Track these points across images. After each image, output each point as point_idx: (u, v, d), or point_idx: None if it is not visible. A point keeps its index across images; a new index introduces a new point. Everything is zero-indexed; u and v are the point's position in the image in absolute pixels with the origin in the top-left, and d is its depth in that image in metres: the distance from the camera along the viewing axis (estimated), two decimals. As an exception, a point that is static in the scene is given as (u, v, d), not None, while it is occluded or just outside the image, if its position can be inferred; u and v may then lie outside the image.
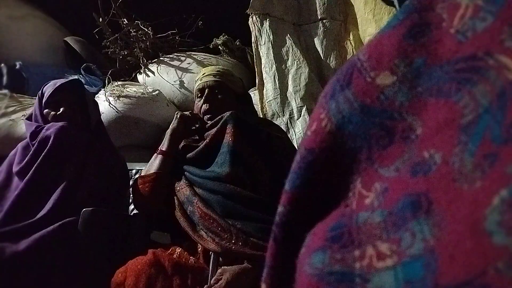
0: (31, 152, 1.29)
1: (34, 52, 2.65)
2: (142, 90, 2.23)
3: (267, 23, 2.06)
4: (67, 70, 2.65)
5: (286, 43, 2.04)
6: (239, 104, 1.32)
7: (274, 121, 1.85)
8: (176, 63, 2.40)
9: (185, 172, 1.19)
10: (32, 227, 1.14)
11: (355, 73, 0.34)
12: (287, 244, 0.34)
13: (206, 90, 1.29)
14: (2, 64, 2.44)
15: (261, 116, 1.95)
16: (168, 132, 1.26)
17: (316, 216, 0.33)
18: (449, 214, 0.23)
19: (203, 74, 1.33)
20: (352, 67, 0.35)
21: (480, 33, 0.26)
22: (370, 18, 1.86)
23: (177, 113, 1.29)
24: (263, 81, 2.03)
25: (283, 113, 1.93)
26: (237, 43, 2.49)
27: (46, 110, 1.38)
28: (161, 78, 2.36)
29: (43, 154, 1.26)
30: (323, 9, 2.09)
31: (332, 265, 0.28)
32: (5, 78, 2.40)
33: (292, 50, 2.01)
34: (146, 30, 2.49)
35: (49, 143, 1.27)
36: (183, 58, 2.42)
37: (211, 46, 2.52)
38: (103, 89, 2.31)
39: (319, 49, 2.05)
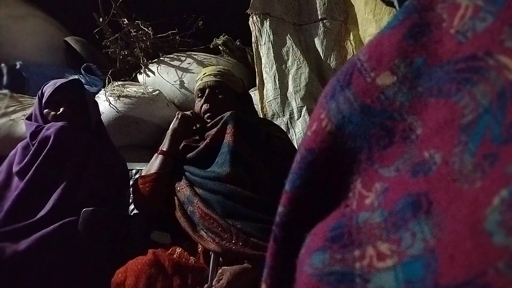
0: (31, 152, 1.29)
1: (34, 52, 2.65)
2: (142, 90, 2.23)
3: (267, 23, 2.06)
4: (67, 70, 2.65)
5: (287, 43, 2.04)
6: (240, 104, 1.32)
7: (274, 121, 1.85)
8: (176, 63, 2.40)
9: (186, 172, 1.19)
10: (32, 227, 1.14)
11: (355, 73, 0.34)
12: (287, 244, 0.34)
13: (207, 90, 1.29)
14: (2, 64, 2.44)
15: (261, 116, 1.95)
16: (169, 132, 1.26)
17: (316, 216, 0.33)
18: (449, 214, 0.23)
19: (203, 74, 1.33)
20: (352, 67, 0.35)
21: (480, 33, 0.27)
22: (371, 18, 1.86)
23: (177, 113, 1.29)
24: (263, 81, 2.03)
25: (283, 113, 1.93)
26: (237, 43, 2.49)
27: (46, 110, 1.38)
28: (161, 78, 2.36)
29: (43, 154, 1.26)
30: (324, 9, 2.09)
31: (332, 265, 0.28)
32: (5, 78, 2.40)
33: (292, 50, 2.01)
34: (146, 30, 2.49)
35: (49, 143, 1.27)
36: (183, 58, 2.42)
37: (211, 46, 2.52)
38: (103, 89, 2.31)
39: (319, 49, 2.05)
